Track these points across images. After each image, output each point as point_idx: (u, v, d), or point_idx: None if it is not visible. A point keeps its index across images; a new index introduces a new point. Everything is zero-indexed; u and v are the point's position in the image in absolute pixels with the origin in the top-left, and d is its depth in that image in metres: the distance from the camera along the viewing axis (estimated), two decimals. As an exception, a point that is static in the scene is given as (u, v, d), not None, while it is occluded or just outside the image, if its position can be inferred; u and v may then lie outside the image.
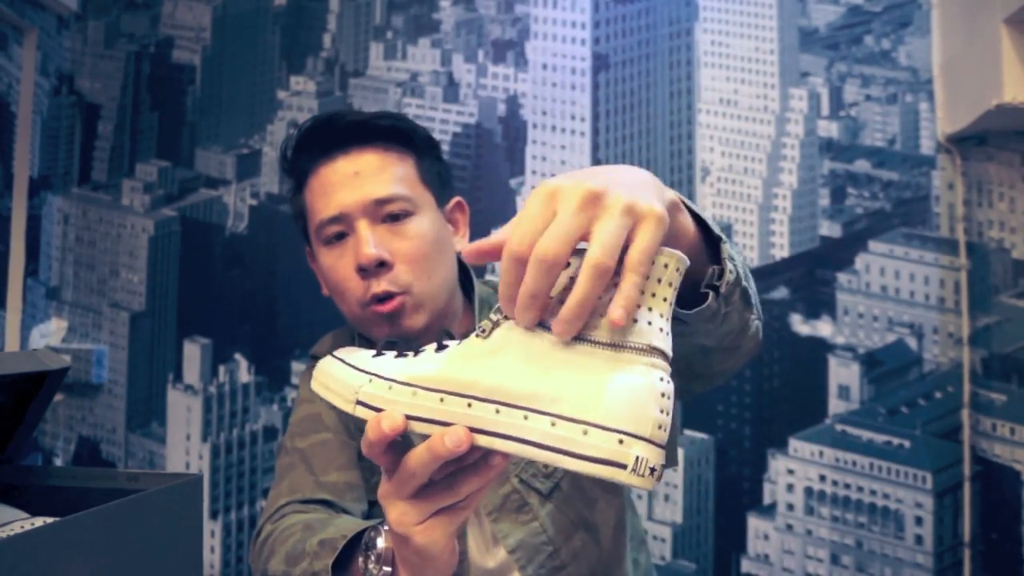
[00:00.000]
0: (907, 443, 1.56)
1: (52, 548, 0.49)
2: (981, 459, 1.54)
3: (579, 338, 0.44)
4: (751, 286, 0.65)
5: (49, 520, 0.60)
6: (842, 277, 1.62)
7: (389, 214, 0.85)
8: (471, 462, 0.47)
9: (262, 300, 1.78)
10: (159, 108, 1.86)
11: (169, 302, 1.80)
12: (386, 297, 0.83)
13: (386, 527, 0.59)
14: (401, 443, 0.49)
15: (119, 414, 1.79)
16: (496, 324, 0.47)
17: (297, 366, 1.74)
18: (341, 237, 0.86)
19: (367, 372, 0.50)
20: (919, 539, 1.55)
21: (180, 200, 1.83)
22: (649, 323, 0.44)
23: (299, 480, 0.85)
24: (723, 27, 1.70)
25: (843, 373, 1.60)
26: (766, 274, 1.64)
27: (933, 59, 1.63)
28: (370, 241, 0.82)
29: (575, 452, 0.42)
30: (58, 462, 1.81)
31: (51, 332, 1.82)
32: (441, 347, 0.49)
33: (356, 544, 0.63)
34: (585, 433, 0.42)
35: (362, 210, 0.84)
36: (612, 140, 1.70)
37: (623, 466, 0.42)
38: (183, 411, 1.77)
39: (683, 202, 0.56)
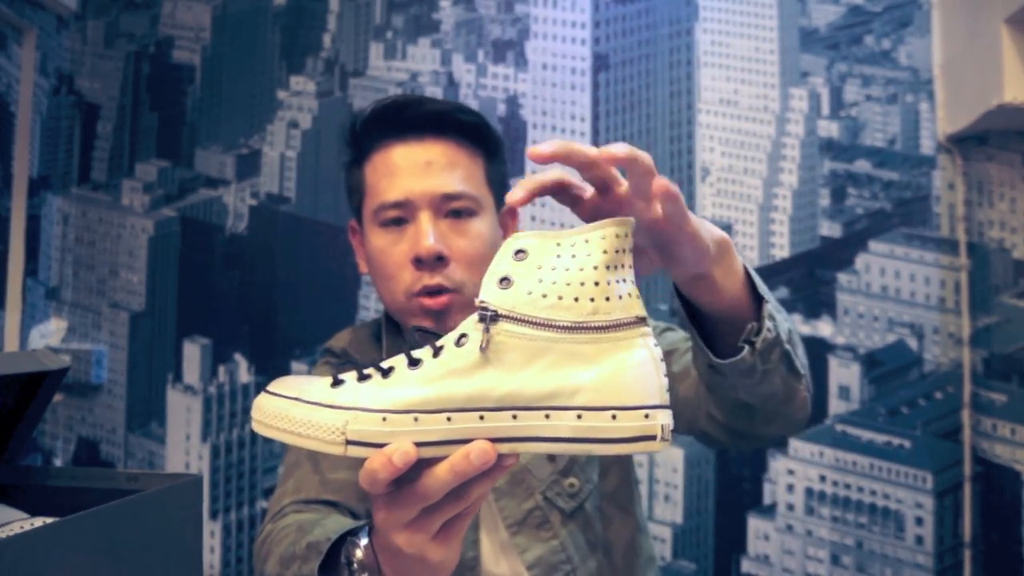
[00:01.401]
0: (907, 443, 1.56)
1: (51, 548, 0.49)
2: (981, 459, 1.54)
3: (575, 327, 0.46)
4: (798, 354, 0.66)
5: (49, 520, 0.60)
6: (842, 277, 1.62)
7: (453, 210, 0.84)
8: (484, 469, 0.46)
9: (262, 300, 1.78)
10: (159, 108, 1.86)
11: (169, 302, 1.80)
12: (437, 292, 0.83)
13: (362, 539, 0.57)
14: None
15: (119, 414, 1.79)
16: (463, 335, 0.47)
17: (297, 366, 1.74)
18: (399, 222, 0.84)
19: (343, 408, 0.47)
20: (919, 539, 1.55)
21: (180, 200, 1.83)
22: (629, 294, 0.47)
23: (305, 479, 0.84)
24: (723, 27, 1.70)
25: (843, 373, 1.60)
26: (766, 274, 1.64)
27: (933, 59, 1.63)
28: (432, 234, 0.81)
29: (607, 438, 0.45)
30: (58, 462, 1.81)
31: (51, 332, 1.81)
32: (413, 362, 0.48)
33: (340, 547, 0.63)
34: (614, 418, 0.45)
35: (428, 201, 0.83)
36: (612, 140, 1.70)
37: (653, 437, 0.45)
38: (183, 411, 1.77)
39: (737, 258, 0.59)
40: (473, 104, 1.74)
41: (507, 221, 0.93)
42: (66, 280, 1.85)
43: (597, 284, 0.46)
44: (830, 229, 1.64)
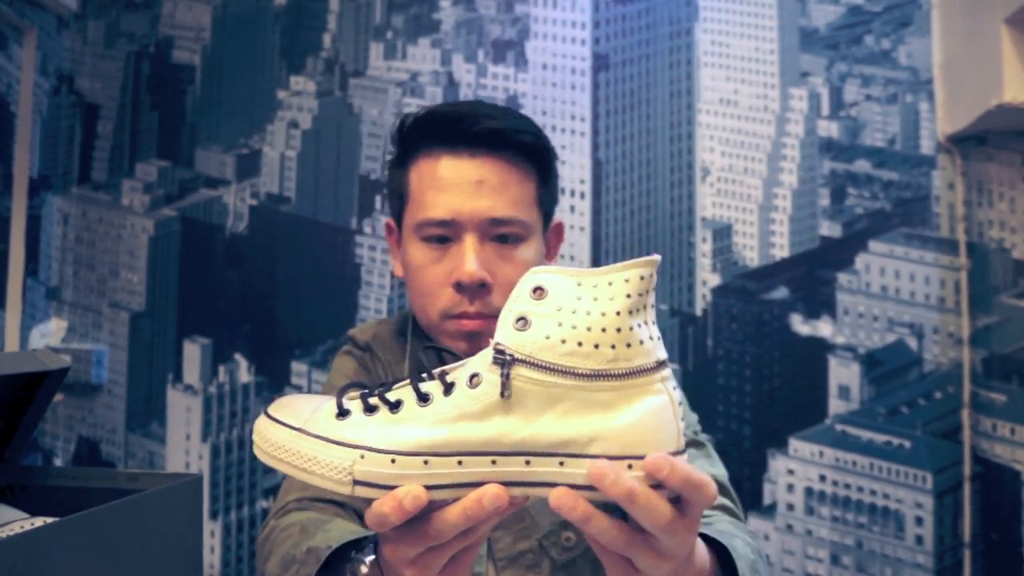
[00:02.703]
0: (907, 443, 1.56)
1: (52, 548, 0.49)
2: (981, 459, 1.54)
3: (595, 375, 0.44)
4: None
5: (49, 520, 0.60)
6: (842, 277, 1.62)
7: (500, 235, 0.80)
8: None
9: (262, 300, 1.78)
10: (159, 108, 1.86)
11: (169, 302, 1.80)
12: (475, 315, 0.80)
13: (367, 556, 0.57)
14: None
15: (119, 414, 1.79)
16: (475, 375, 0.46)
17: (297, 366, 1.74)
18: (443, 240, 0.81)
19: (350, 445, 0.46)
20: (919, 539, 1.55)
21: (180, 200, 1.83)
22: (651, 338, 0.45)
23: None
24: (723, 27, 1.70)
25: (843, 373, 1.60)
26: (766, 274, 1.64)
27: (933, 59, 1.63)
28: (476, 259, 0.78)
29: None
30: (58, 462, 1.81)
31: (51, 332, 1.81)
32: (422, 396, 0.46)
33: (342, 553, 0.63)
34: (630, 467, 0.44)
35: (476, 224, 0.79)
36: (612, 140, 1.70)
37: None
38: (183, 411, 1.77)
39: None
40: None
41: (551, 239, 0.90)
42: (66, 280, 1.85)
43: (619, 331, 0.44)
44: (830, 229, 1.64)
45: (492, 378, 0.45)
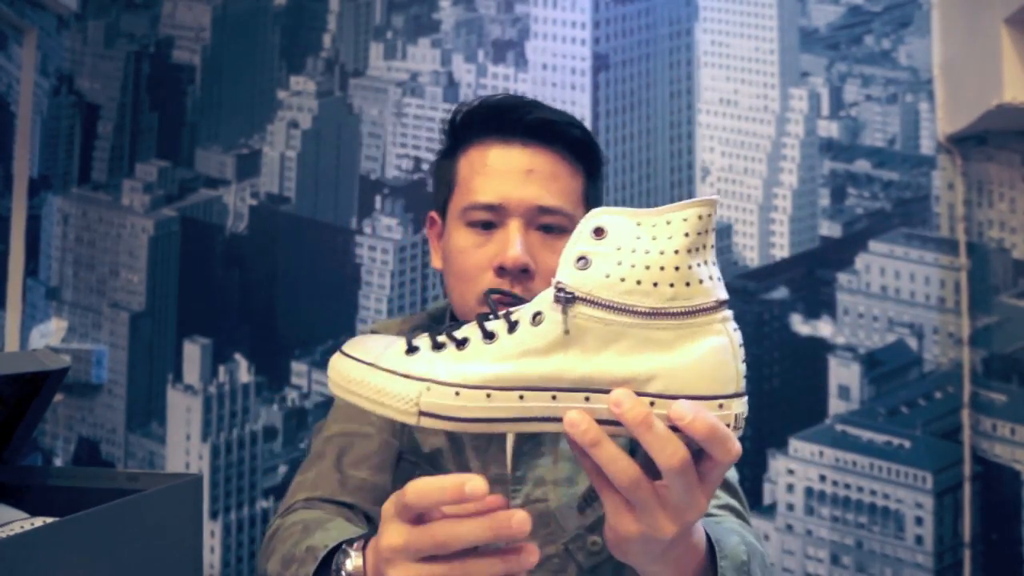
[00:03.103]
0: (907, 443, 1.56)
1: (52, 548, 0.49)
2: (981, 459, 1.54)
3: (654, 313, 0.44)
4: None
5: (49, 520, 0.60)
6: (842, 277, 1.62)
7: (545, 224, 0.80)
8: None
9: (262, 300, 1.78)
10: (159, 108, 1.86)
11: (169, 302, 1.80)
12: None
13: (355, 546, 0.57)
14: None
15: (119, 414, 1.79)
16: (539, 313, 0.47)
17: (297, 366, 1.74)
18: (488, 226, 0.81)
19: (419, 379, 0.48)
20: (919, 539, 1.55)
21: (180, 200, 1.83)
22: (710, 277, 0.45)
23: (325, 474, 0.83)
24: (723, 27, 1.70)
25: (843, 373, 1.60)
26: (766, 274, 1.64)
27: (933, 59, 1.63)
28: (520, 244, 0.78)
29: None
30: (58, 462, 1.81)
31: (51, 332, 1.81)
32: (488, 335, 0.48)
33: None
34: (652, 404, 0.44)
35: (523, 210, 0.79)
36: (612, 140, 1.70)
37: (727, 426, 0.45)
38: (183, 411, 1.77)
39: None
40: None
41: None
42: (66, 280, 1.85)
43: (678, 269, 0.44)
44: (830, 229, 1.64)
45: (554, 316, 0.46)
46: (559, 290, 0.46)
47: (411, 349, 0.49)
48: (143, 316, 1.80)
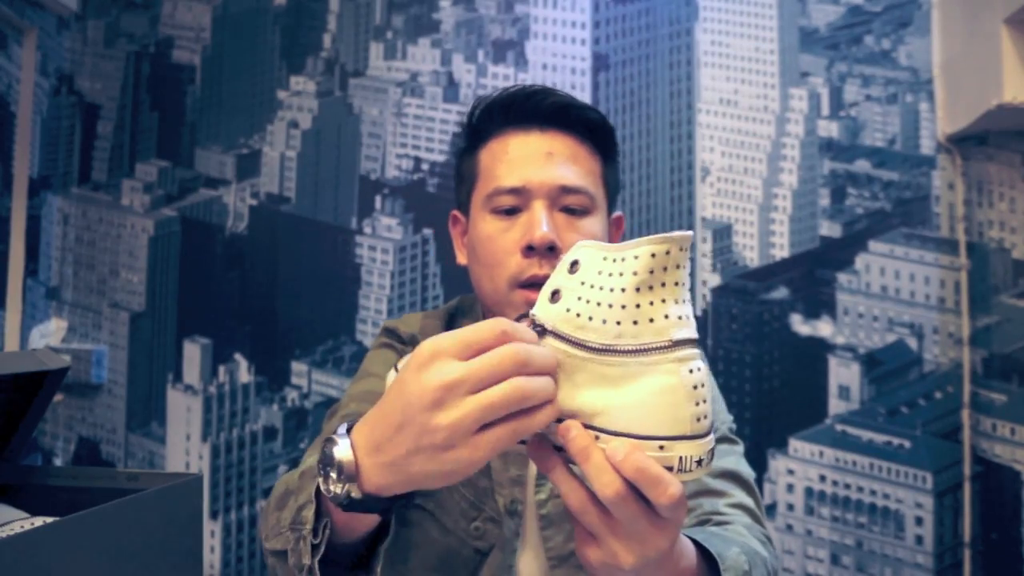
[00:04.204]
0: (907, 443, 1.56)
1: (52, 548, 0.49)
2: (981, 459, 1.54)
3: (604, 349, 0.45)
4: None
5: (49, 520, 0.60)
6: (842, 277, 1.62)
7: (568, 206, 0.81)
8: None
9: (262, 300, 1.78)
10: (159, 108, 1.86)
11: (169, 302, 1.80)
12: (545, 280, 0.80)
13: (341, 433, 0.50)
14: None
15: (119, 414, 1.79)
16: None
17: (297, 366, 1.74)
18: (512, 212, 0.81)
19: None
20: (919, 539, 1.55)
21: (180, 200, 1.83)
22: (666, 316, 0.44)
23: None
24: (723, 27, 1.70)
25: (843, 373, 1.60)
26: (766, 274, 1.64)
27: (933, 59, 1.63)
28: (547, 222, 0.78)
29: None
30: (58, 462, 1.81)
31: (51, 332, 1.82)
32: None
33: None
34: (597, 438, 0.45)
35: (546, 191, 0.80)
36: (612, 140, 1.70)
37: (668, 468, 0.43)
38: (183, 411, 1.77)
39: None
40: (473, 104, 1.74)
41: (612, 230, 0.90)
42: (66, 280, 1.85)
43: (624, 307, 0.44)
44: (830, 229, 1.64)
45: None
46: (532, 323, 0.47)
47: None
48: (143, 316, 1.80)
